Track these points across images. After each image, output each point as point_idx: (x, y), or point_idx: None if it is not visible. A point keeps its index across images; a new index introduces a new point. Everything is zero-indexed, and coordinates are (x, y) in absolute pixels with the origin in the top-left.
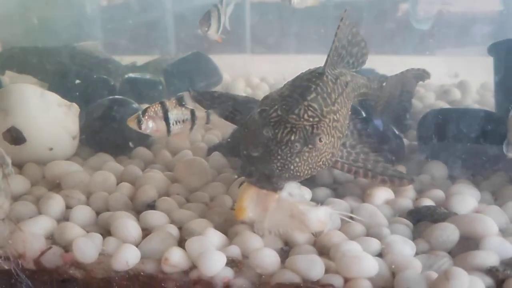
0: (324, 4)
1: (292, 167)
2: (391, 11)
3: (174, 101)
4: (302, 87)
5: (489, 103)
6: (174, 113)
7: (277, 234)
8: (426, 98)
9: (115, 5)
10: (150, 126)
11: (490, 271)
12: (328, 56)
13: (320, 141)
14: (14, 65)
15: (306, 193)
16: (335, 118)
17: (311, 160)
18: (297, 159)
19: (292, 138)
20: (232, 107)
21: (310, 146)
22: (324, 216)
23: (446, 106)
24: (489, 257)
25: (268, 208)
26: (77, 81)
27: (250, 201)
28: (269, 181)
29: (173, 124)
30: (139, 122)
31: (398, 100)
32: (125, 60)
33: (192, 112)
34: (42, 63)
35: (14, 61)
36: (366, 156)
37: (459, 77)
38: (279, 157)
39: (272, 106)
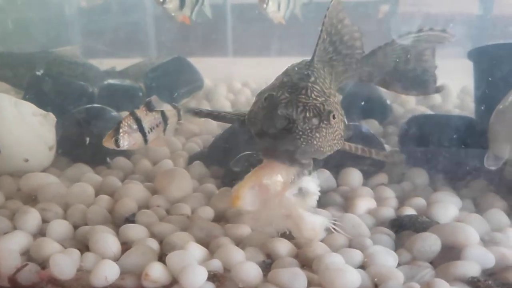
0: (306, 6)
1: (315, 142)
2: (372, 13)
3: (144, 109)
4: (299, 73)
5: (469, 107)
6: (147, 121)
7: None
8: (407, 103)
9: (94, 7)
10: (127, 141)
11: (471, 282)
12: (316, 46)
13: (334, 117)
14: None
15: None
16: (335, 100)
17: (329, 136)
18: (317, 134)
19: (308, 114)
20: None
21: (325, 122)
22: (319, 227)
23: (427, 111)
24: (470, 267)
25: (268, 201)
26: (38, 72)
27: (250, 191)
28: (293, 157)
29: (148, 132)
30: (116, 141)
31: (405, 68)
32: (105, 64)
33: (163, 114)
34: (17, 70)
35: None
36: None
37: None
38: (300, 133)
39: (277, 92)
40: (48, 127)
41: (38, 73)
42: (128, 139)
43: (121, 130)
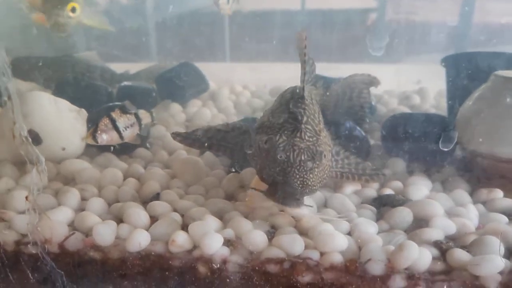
0: (295, 12)
1: (309, 182)
2: (359, 20)
3: (118, 111)
4: (294, 113)
5: (444, 107)
6: (121, 121)
7: None
8: (390, 104)
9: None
10: (105, 138)
11: (436, 244)
12: (303, 77)
13: (324, 157)
14: (20, 73)
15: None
16: (324, 134)
17: (320, 174)
18: (311, 175)
19: (303, 158)
20: (221, 141)
21: (317, 162)
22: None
23: (407, 110)
24: (435, 233)
25: None
26: (66, 74)
27: (258, 194)
28: (293, 198)
29: (123, 131)
30: (94, 138)
31: (349, 103)
32: (113, 67)
33: (136, 115)
34: (45, 72)
35: (19, 70)
36: (348, 160)
37: (420, 84)
38: (297, 176)
39: (275, 134)
40: (81, 121)
41: (66, 75)
42: (105, 137)
43: (98, 129)
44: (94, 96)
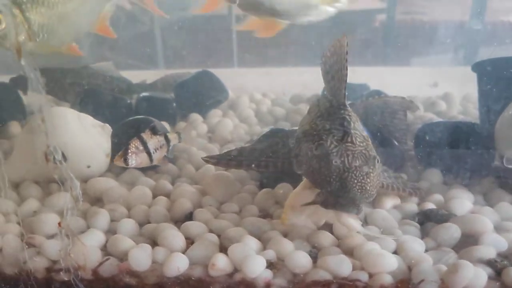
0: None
1: (367, 187)
2: (368, 22)
3: (149, 132)
4: (338, 119)
5: (472, 114)
6: (152, 143)
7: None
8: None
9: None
10: (135, 161)
11: (489, 263)
12: (345, 84)
13: (378, 161)
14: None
15: None
16: (370, 142)
17: (375, 179)
18: (368, 180)
19: (357, 163)
20: (260, 157)
21: (371, 167)
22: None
23: (434, 117)
24: (487, 251)
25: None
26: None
27: (294, 211)
28: (354, 204)
29: (153, 153)
30: (125, 161)
31: (382, 123)
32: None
33: (166, 137)
34: (62, 84)
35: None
36: (387, 173)
37: (438, 87)
38: (355, 181)
39: (325, 139)
40: (105, 136)
41: (84, 87)
42: (135, 159)
43: (129, 151)
44: (114, 108)
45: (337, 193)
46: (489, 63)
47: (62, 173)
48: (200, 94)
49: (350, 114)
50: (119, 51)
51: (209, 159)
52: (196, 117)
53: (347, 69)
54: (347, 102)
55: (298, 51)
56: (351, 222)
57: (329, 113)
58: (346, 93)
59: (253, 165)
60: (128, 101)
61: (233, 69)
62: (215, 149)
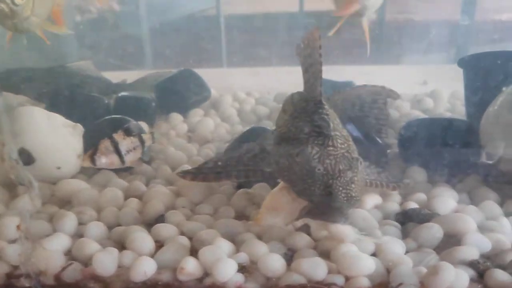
0: (293, 15)
1: (353, 193)
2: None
3: (121, 133)
4: (317, 120)
5: (460, 111)
6: (124, 144)
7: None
8: (402, 108)
9: (90, 21)
10: (104, 161)
11: (472, 264)
12: (320, 81)
13: (361, 163)
14: (9, 86)
15: None
16: (350, 140)
17: (359, 183)
18: (352, 185)
19: (341, 168)
20: (238, 165)
21: (355, 170)
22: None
23: (421, 114)
24: (470, 251)
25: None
26: (58, 86)
27: (270, 212)
28: (340, 213)
29: (125, 155)
30: (92, 161)
31: (360, 114)
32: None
33: (140, 138)
34: (36, 83)
35: (9, 83)
36: (370, 169)
37: (427, 85)
38: (340, 188)
39: (305, 145)
40: (77, 137)
41: (60, 87)
42: (104, 160)
43: (98, 151)
44: (90, 108)
45: (323, 202)
46: (474, 58)
47: (19, 173)
48: (181, 93)
49: (327, 113)
50: (109, 52)
51: (184, 175)
52: (176, 116)
53: (321, 65)
54: (323, 96)
55: (286, 50)
56: (343, 230)
57: (306, 113)
58: (322, 90)
59: (232, 176)
60: (106, 101)
61: (222, 69)
62: (194, 149)
